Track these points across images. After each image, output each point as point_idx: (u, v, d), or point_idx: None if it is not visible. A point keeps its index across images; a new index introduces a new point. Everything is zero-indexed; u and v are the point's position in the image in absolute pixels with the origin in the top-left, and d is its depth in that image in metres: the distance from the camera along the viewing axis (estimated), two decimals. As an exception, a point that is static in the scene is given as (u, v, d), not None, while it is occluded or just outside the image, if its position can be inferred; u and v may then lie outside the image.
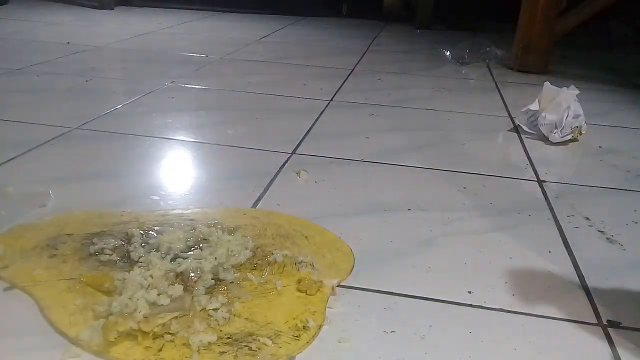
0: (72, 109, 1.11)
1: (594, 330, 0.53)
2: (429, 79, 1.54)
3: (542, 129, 1.05)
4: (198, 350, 0.46)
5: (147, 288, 0.51)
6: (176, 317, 0.49)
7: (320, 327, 0.50)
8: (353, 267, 0.60)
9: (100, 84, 1.31)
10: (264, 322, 0.50)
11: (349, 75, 1.53)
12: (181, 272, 0.54)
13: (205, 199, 0.75)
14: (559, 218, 0.75)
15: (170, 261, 0.56)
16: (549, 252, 0.66)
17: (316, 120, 1.12)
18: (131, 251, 0.59)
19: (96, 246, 0.60)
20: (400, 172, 0.88)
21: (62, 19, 2.19)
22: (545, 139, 1.05)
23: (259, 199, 0.76)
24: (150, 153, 0.91)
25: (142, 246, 0.60)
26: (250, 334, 0.48)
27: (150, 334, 0.47)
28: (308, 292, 0.54)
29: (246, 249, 0.60)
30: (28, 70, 1.39)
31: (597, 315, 0.55)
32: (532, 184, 0.86)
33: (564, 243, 0.69)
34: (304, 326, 0.50)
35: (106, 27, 2.09)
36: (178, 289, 0.51)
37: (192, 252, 0.59)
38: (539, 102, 1.07)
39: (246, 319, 0.50)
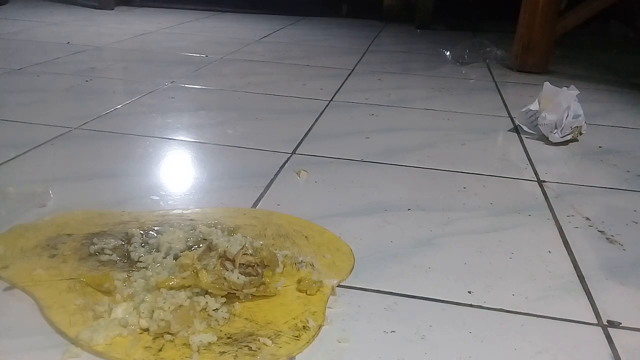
0: (72, 109, 1.11)
1: (594, 330, 0.53)
2: (429, 79, 1.54)
3: (542, 129, 1.05)
4: (198, 350, 0.46)
5: None
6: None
7: (320, 327, 0.50)
8: (353, 267, 0.60)
9: (100, 84, 1.31)
10: (264, 322, 0.50)
11: (349, 75, 1.53)
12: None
13: (205, 199, 0.75)
14: (559, 218, 0.75)
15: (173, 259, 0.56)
16: (549, 252, 0.66)
17: (316, 120, 1.12)
18: (131, 251, 0.59)
19: (96, 246, 0.60)
20: (400, 172, 0.88)
21: (62, 19, 2.19)
22: (545, 139, 1.05)
23: (259, 199, 0.76)
24: (150, 153, 0.91)
25: (142, 246, 0.60)
26: (250, 334, 0.48)
27: (152, 335, 0.47)
28: (308, 292, 0.54)
29: (246, 249, 0.60)
30: (28, 70, 1.39)
31: (597, 315, 0.55)
32: (532, 184, 0.86)
33: (564, 243, 0.69)
34: (304, 326, 0.50)
35: (106, 27, 2.09)
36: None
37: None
38: (539, 102, 1.07)
39: (246, 319, 0.50)
